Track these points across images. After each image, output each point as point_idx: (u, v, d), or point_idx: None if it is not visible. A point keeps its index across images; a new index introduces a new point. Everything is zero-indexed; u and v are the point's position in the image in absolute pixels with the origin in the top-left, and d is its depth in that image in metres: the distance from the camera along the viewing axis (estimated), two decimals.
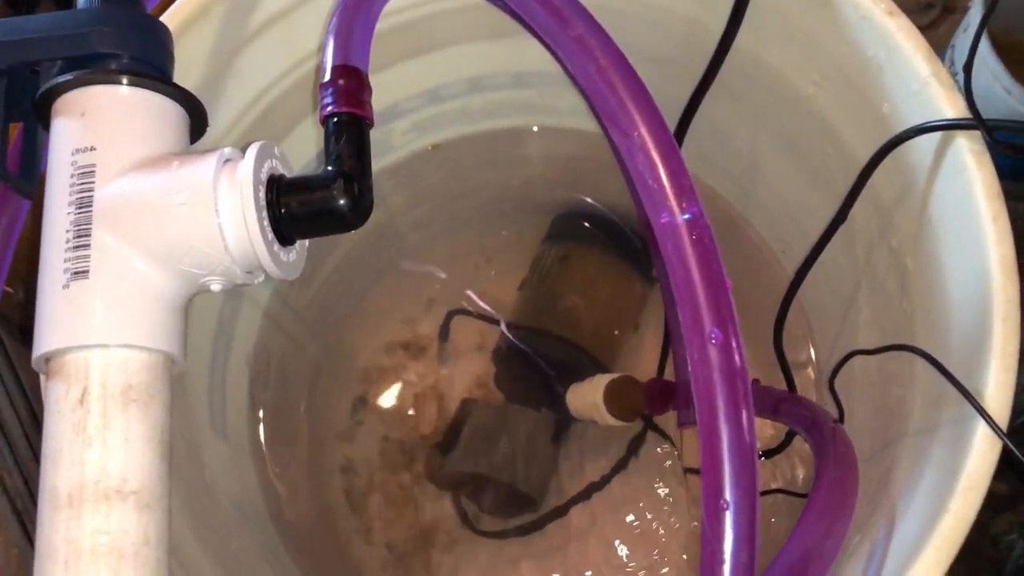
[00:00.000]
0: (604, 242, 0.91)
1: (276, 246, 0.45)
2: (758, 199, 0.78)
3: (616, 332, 0.91)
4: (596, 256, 0.91)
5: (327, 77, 0.46)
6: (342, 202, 0.44)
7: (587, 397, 0.81)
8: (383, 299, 0.96)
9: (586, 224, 0.92)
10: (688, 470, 0.85)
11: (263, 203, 0.44)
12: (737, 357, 0.41)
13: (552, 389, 0.88)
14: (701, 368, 0.42)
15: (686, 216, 0.43)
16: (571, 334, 0.88)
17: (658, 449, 0.89)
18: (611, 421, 0.80)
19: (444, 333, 0.95)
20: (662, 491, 0.88)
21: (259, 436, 0.84)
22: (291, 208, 0.45)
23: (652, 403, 0.78)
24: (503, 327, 0.92)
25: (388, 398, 0.95)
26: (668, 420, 0.87)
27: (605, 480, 0.89)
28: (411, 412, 0.94)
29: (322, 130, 0.47)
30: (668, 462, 0.89)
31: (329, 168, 0.45)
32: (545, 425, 0.89)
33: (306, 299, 0.89)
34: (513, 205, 0.95)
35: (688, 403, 0.72)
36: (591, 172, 0.87)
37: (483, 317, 0.94)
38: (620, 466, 0.89)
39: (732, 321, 0.42)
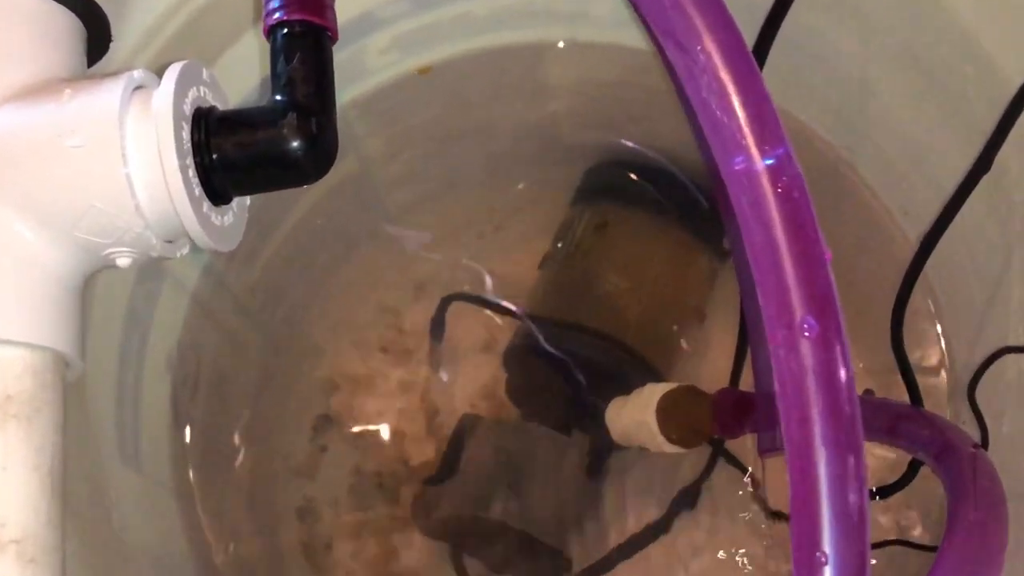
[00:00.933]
0: (656, 201, 0.91)
1: (206, 205, 0.45)
2: (870, 140, 0.78)
3: (673, 325, 0.91)
4: (645, 221, 0.91)
5: None
6: (294, 144, 0.44)
7: (634, 415, 0.82)
8: (355, 281, 0.95)
9: (632, 177, 0.92)
10: (774, 513, 0.86)
11: (187, 146, 0.44)
12: (839, 356, 0.41)
13: (586, 404, 0.88)
14: (790, 373, 0.41)
15: (769, 161, 0.43)
16: (612, 328, 0.88)
17: (732, 486, 0.89)
18: (667, 447, 0.80)
19: (438, 327, 0.95)
20: (737, 542, 0.88)
21: (185, 466, 0.84)
22: (226, 153, 0.45)
23: (723, 422, 0.78)
24: (519, 318, 0.93)
25: (361, 416, 0.95)
26: (745, 446, 0.88)
27: (660, 528, 0.89)
28: (393, 435, 0.94)
29: (268, 46, 0.47)
30: (745, 508, 0.89)
31: (277, 98, 0.45)
32: (576, 453, 0.89)
33: (249, 279, 0.89)
34: (531, 152, 0.94)
35: (773, 422, 0.73)
36: (638, 104, 0.87)
37: (491, 305, 0.95)
38: (679, 508, 0.90)
39: (832, 307, 0.41)
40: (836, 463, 0.40)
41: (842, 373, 0.41)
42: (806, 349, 0.41)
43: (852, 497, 0.40)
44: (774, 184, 0.43)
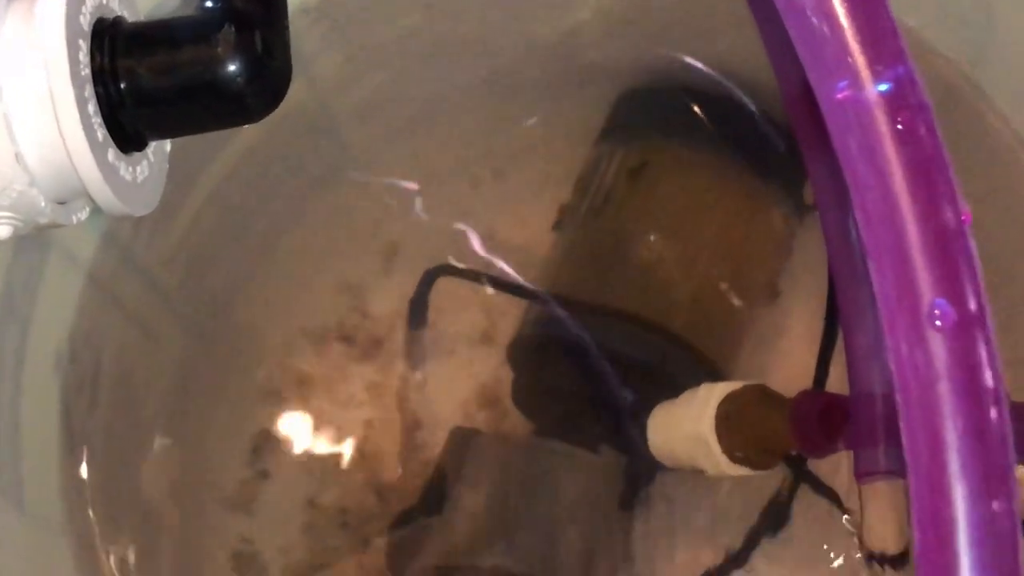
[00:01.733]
0: (713, 138, 0.92)
1: (112, 153, 0.45)
2: (999, 54, 0.79)
3: (736, 303, 0.91)
4: (698, 164, 0.92)
5: None
6: (232, 68, 0.44)
7: (685, 426, 0.81)
8: (306, 249, 0.96)
9: (680, 104, 0.92)
10: (879, 559, 0.83)
11: (86, 72, 0.44)
12: (984, 353, 0.41)
13: (619, 412, 0.89)
14: (915, 375, 0.41)
15: (884, 87, 0.42)
16: (653, 310, 0.89)
17: (817, 522, 0.90)
18: (730, 469, 0.79)
19: (418, 310, 0.96)
20: None
21: (82, 501, 0.84)
22: (138, 80, 0.44)
23: (806, 436, 0.77)
24: (528, 298, 0.93)
25: (316, 431, 0.96)
26: (835, 466, 0.87)
27: (720, 575, 0.90)
28: (358, 456, 0.95)
29: None
30: (836, 550, 0.89)
31: (208, 4, 0.45)
32: (607, 477, 0.90)
33: (165, 249, 0.90)
34: (543, 72, 0.95)
35: (874, 435, 0.72)
36: (691, 5, 0.88)
37: (490, 281, 0.95)
38: (747, 552, 0.90)
39: (974, 286, 0.41)
40: (977, 494, 0.40)
41: (987, 376, 0.41)
42: (938, 344, 0.41)
43: (1000, 538, 0.40)
44: (892, 118, 0.42)
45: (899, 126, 0.42)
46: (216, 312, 0.96)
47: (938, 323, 0.41)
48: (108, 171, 0.44)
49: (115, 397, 0.87)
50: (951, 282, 0.41)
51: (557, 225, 0.95)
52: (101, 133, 0.44)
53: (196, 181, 0.89)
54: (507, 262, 0.95)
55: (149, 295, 0.89)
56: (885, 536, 0.77)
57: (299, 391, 0.97)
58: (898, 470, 0.69)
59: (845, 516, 0.89)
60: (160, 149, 0.49)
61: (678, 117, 0.92)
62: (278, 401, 0.97)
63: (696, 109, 0.92)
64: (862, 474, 0.75)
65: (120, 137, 0.46)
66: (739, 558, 0.90)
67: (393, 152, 0.96)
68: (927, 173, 0.42)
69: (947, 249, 0.42)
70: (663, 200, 0.92)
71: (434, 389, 0.96)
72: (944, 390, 0.41)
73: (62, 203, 0.46)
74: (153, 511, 0.91)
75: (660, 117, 0.93)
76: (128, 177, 0.46)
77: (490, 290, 0.96)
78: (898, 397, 0.42)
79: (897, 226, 0.42)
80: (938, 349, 0.41)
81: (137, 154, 0.47)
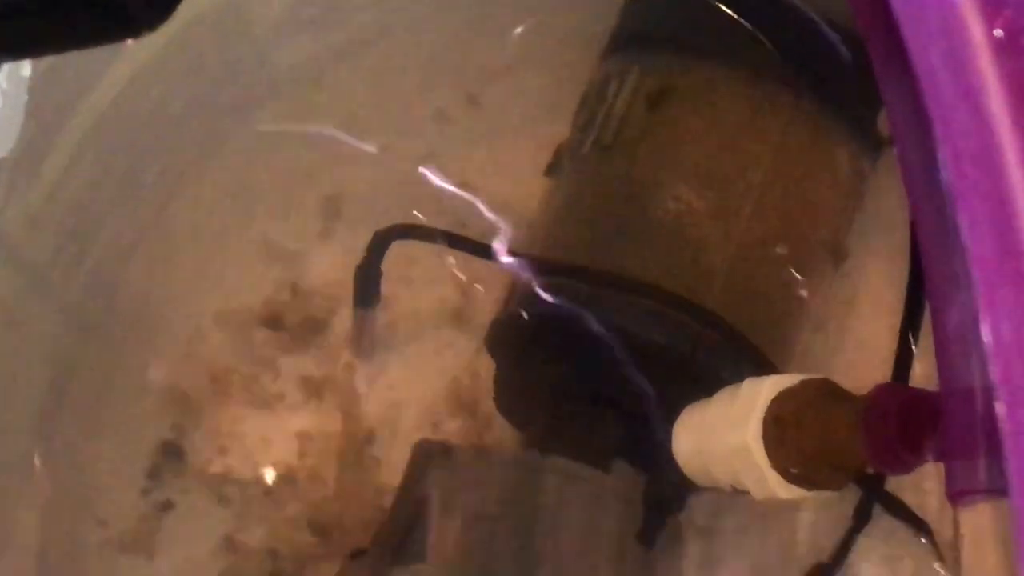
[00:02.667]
0: (758, 52, 0.92)
1: None
2: None
3: (789, 271, 0.92)
4: (738, 88, 0.92)
5: None
6: None
7: (722, 433, 0.82)
8: (217, 203, 0.98)
9: (716, 8, 0.92)
10: None
11: None
12: None
13: (638, 417, 0.89)
14: (1020, 359, 0.42)
15: None
16: (680, 279, 0.90)
17: (898, 556, 0.90)
18: (781, 489, 0.79)
19: (368, 282, 0.96)
20: None
21: None
22: None
23: (882, 444, 0.76)
24: (513, 266, 0.92)
25: (234, 445, 0.97)
26: (920, 485, 0.88)
27: None
28: (291, 478, 0.96)
29: None
30: None
31: None
32: (622, 504, 0.90)
33: (30, 207, 0.90)
34: None
35: (975, 444, 0.69)
36: None
37: (462, 244, 0.95)
38: None
39: None
40: None
41: None
42: None
43: None
44: (988, 22, 0.43)
45: (996, 31, 0.43)
46: (99, 291, 0.96)
47: None
48: None
49: None
50: None
51: (551, 169, 0.96)
52: None
53: (68, 118, 0.88)
54: (485, 220, 0.95)
55: (9, 270, 0.89)
56: (987, 573, 0.78)
57: (211, 393, 0.98)
58: (1004, 488, 0.69)
59: (933, 547, 0.90)
60: (15, 75, 0.50)
61: (710, 24, 0.93)
62: (183, 406, 0.97)
63: (733, 13, 0.92)
64: (957, 494, 0.72)
65: None
66: None
67: (335, 75, 0.97)
68: None
69: None
70: (692, 136, 0.92)
71: (391, 388, 0.97)
72: None
73: None
74: (19, 555, 0.91)
75: (686, 24, 0.94)
76: None
77: (463, 256, 0.95)
78: (999, 392, 0.43)
79: (995, 166, 0.43)
80: None
81: None
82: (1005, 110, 0.43)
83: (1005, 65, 0.43)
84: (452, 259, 0.96)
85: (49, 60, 0.50)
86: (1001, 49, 0.43)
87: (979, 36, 0.43)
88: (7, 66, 0.49)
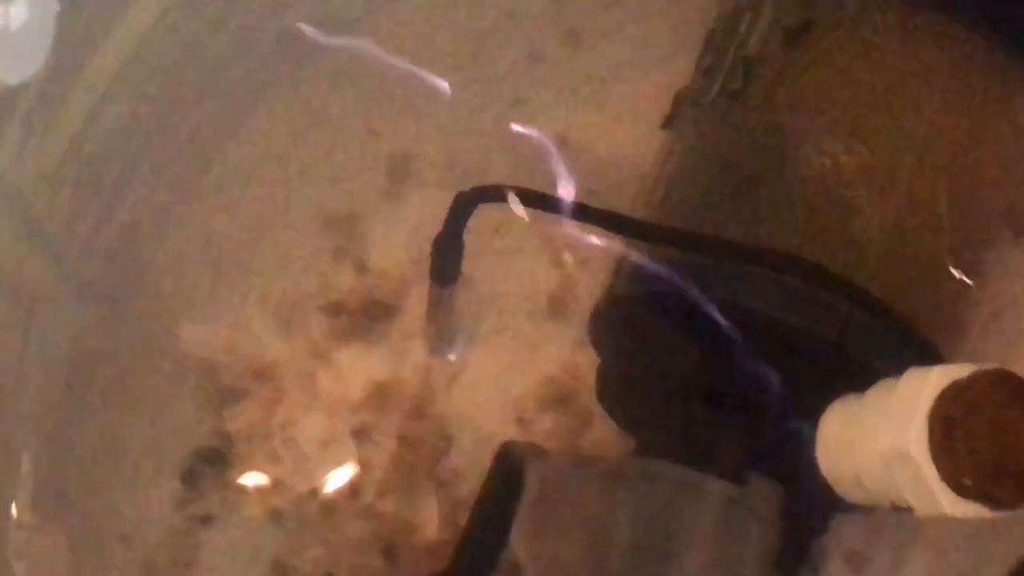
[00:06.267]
0: None
1: None
2: None
3: (960, 243, 0.86)
4: (895, 26, 0.87)
5: None
6: None
7: (878, 436, 0.78)
8: (263, 164, 0.95)
9: None
10: None
11: None
12: None
13: (776, 419, 0.85)
14: None
15: None
16: (827, 251, 0.84)
17: None
18: (952, 505, 0.74)
19: (447, 257, 0.90)
20: None
21: None
22: None
23: None
24: (622, 239, 0.88)
25: (286, 449, 0.93)
26: None
27: None
28: (350, 491, 0.92)
29: None
30: None
31: None
32: (754, 523, 0.85)
33: (50, 160, 0.87)
34: None
35: None
36: None
37: (560, 209, 0.88)
38: None
39: None
40: None
41: None
42: None
43: None
44: None
45: None
46: (124, 267, 0.93)
47: None
48: None
49: None
50: None
51: (669, 121, 0.93)
52: None
53: (94, 50, 0.86)
54: (590, 181, 0.90)
55: (19, 239, 0.87)
56: None
57: (257, 390, 0.93)
58: None
59: None
60: None
61: None
62: (225, 406, 0.93)
63: None
64: None
65: None
66: None
67: (401, 7, 0.94)
68: None
69: None
70: (840, 78, 0.88)
71: (473, 385, 0.92)
72: None
73: None
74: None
75: None
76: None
77: (561, 225, 0.88)
78: None
79: None
80: None
81: None
82: None
83: None
84: (550, 229, 0.91)
85: None
86: None
87: None
88: None
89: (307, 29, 0.91)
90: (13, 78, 0.45)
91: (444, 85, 0.91)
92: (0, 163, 0.86)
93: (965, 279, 0.87)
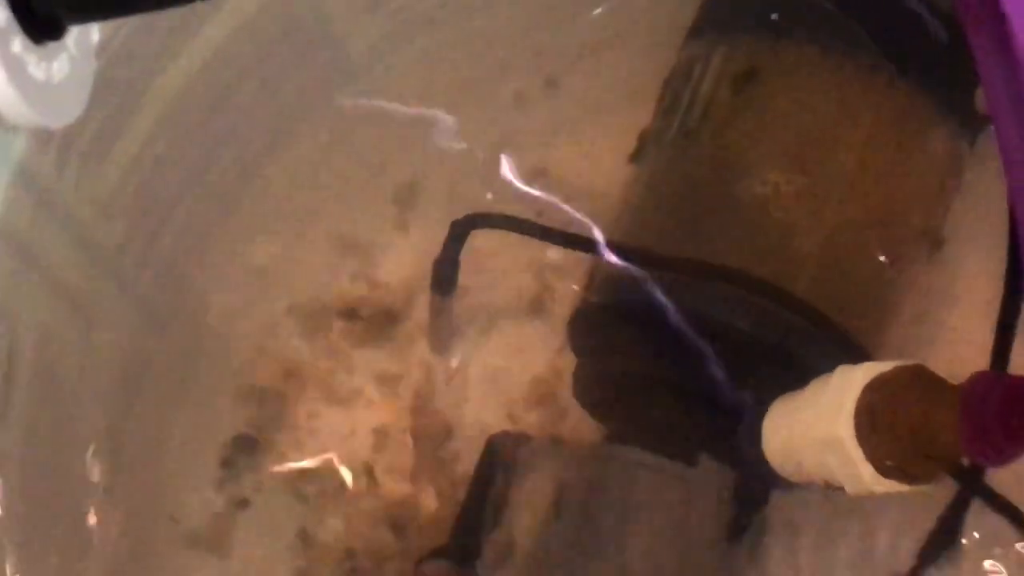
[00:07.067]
0: (847, 32, 0.91)
1: (19, 41, 0.45)
2: None
3: (883, 257, 0.91)
4: (827, 70, 0.92)
5: None
6: None
7: (814, 424, 0.81)
8: (290, 193, 0.97)
9: None
10: None
11: None
12: None
13: (725, 409, 0.89)
14: None
15: None
16: (769, 266, 0.89)
17: (1002, 558, 0.90)
18: (875, 483, 0.78)
19: (446, 273, 0.95)
20: None
21: None
22: None
23: (981, 435, 0.74)
24: (595, 253, 0.91)
25: (310, 440, 0.97)
26: (1021, 477, 0.87)
27: None
28: (367, 474, 0.97)
29: None
30: None
31: None
32: (709, 499, 0.90)
33: (101, 189, 0.89)
34: None
35: None
36: None
37: (541, 232, 0.94)
38: None
39: None
40: None
41: None
42: None
43: None
44: None
45: None
46: (171, 281, 0.96)
47: None
48: (13, 65, 0.45)
49: (36, 397, 0.86)
50: None
51: (635, 155, 0.95)
52: (2, 15, 0.45)
53: (141, 97, 0.87)
54: (567, 206, 0.93)
55: (79, 257, 0.88)
56: None
57: (285, 387, 0.97)
58: None
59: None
60: (84, 39, 0.49)
61: (797, 3, 0.93)
62: (257, 402, 0.98)
63: None
64: None
65: (29, 21, 0.46)
66: None
67: (408, 60, 0.97)
68: None
69: None
70: (781, 118, 0.92)
71: (468, 382, 0.97)
72: None
73: None
74: (91, 556, 0.91)
75: (772, 4, 0.93)
76: (40, 75, 0.46)
77: (543, 245, 0.95)
78: None
79: None
80: None
81: (53, 45, 0.47)
82: None
83: None
84: (533, 248, 0.95)
85: (121, 39, 0.50)
86: None
87: None
88: (76, 30, 0.48)
89: (324, 88, 0.95)
90: (54, 123, 0.49)
91: (445, 124, 0.94)
92: (63, 195, 0.86)
93: (890, 288, 0.92)
